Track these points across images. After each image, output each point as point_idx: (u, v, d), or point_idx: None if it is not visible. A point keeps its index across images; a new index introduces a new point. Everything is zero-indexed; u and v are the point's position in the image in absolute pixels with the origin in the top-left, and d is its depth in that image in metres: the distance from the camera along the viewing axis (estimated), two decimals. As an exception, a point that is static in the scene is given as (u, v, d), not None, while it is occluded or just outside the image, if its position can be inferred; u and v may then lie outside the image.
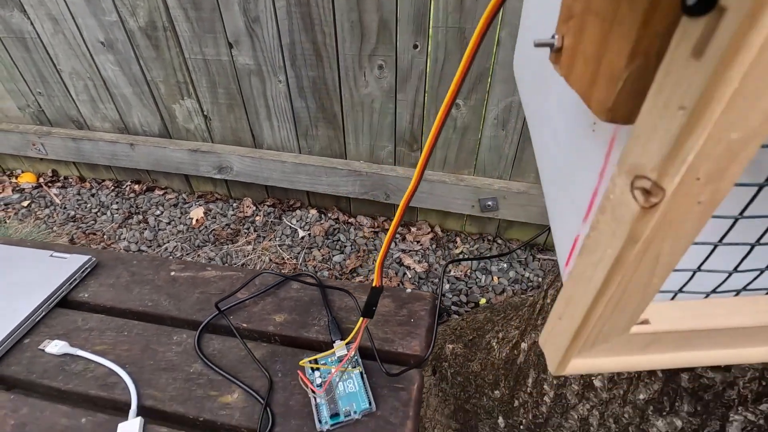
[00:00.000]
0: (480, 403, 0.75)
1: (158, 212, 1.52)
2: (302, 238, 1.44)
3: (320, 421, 0.44)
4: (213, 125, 1.42)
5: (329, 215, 1.51)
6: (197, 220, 1.49)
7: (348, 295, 0.58)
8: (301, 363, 0.48)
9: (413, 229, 1.48)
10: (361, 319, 0.39)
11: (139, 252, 1.39)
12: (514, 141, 1.21)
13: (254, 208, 1.54)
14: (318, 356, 0.49)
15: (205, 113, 1.39)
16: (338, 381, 0.47)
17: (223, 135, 1.44)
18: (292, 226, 1.48)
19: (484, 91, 1.12)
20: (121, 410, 0.48)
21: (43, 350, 0.53)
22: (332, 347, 0.50)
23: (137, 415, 0.46)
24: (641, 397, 0.44)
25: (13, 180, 1.67)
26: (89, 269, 0.64)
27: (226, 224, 1.48)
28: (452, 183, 1.30)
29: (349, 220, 1.51)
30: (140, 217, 1.50)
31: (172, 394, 0.48)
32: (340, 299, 0.58)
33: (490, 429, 0.73)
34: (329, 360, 0.49)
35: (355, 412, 0.44)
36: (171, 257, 1.38)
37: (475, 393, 0.77)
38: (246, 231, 1.46)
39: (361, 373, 0.47)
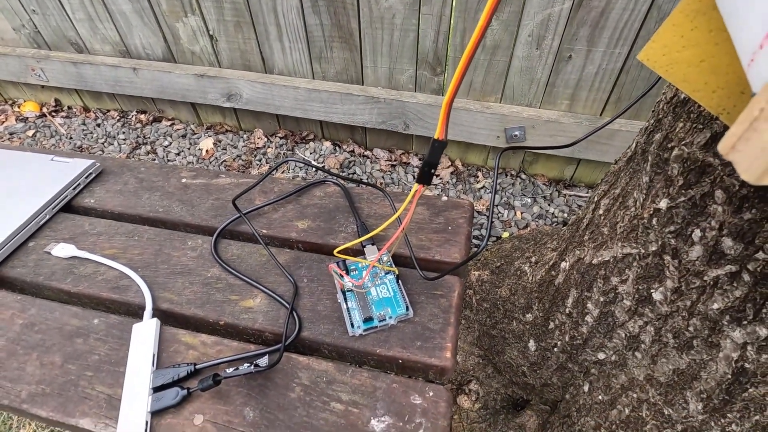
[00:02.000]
0: (508, 328, 0.72)
1: (166, 143, 1.46)
2: (316, 171, 1.38)
3: (352, 326, 0.40)
4: (220, 47, 1.31)
5: (344, 148, 1.44)
6: (207, 150, 1.43)
7: (375, 202, 0.52)
8: (335, 252, 0.43)
9: (432, 163, 1.40)
10: (415, 186, 0.31)
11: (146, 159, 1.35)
12: (548, 63, 1.10)
13: (265, 139, 1.47)
14: (347, 259, 0.44)
15: (210, 33, 1.28)
16: (370, 285, 0.42)
17: (231, 59, 1.34)
18: (306, 158, 1.41)
19: (520, 2, 1.00)
20: (134, 313, 0.45)
21: (50, 253, 0.49)
22: (363, 254, 0.45)
23: (152, 317, 0.42)
24: (715, 306, 0.39)
25: (16, 109, 1.60)
26: (94, 175, 0.58)
27: (237, 155, 1.42)
28: (477, 111, 1.21)
29: (365, 153, 1.44)
30: (148, 147, 1.45)
31: (189, 298, 0.44)
32: (369, 206, 0.52)
33: (519, 353, 0.70)
34: (359, 266, 0.44)
35: (390, 317, 0.40)
36: (181, 165, 1.34)
37: (503, 318, 0.74)
38: (258, 162, 1.40)
39: (397, 277, 0.43)
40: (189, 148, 1.45)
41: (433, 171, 0.28)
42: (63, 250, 0.49)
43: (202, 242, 0.50)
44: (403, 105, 1.26)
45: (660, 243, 0.42)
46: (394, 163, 1.42)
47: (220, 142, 1.46)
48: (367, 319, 0.39)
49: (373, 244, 0.46)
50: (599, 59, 1.06)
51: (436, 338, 0.39)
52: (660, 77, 0.27)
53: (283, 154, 1.44)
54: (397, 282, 0.42)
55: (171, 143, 1.46)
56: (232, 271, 0.46)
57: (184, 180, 0.58)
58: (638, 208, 0.44)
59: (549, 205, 1.29)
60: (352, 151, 1.43)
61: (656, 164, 0.41)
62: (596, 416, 0.55)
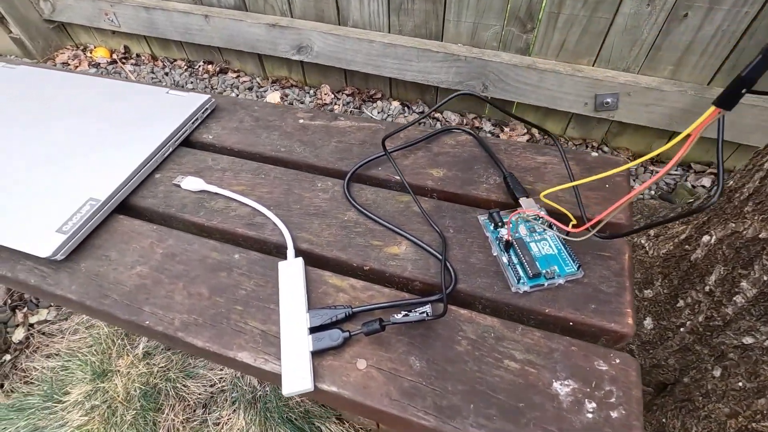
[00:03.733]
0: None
1: (233, 95, 1.44)
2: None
3: (518, 281, 0.36)
4: (295, -6, 1.26)
5: (413, 108, 1.38)
6: (275, 105, 1.40)
7: (515, 154, 0.47)
8: (541, 195, 0.40)
9: (506, 129, 1.33)
10: (711, 108, 0.25)
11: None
12: (658, 21, 0.99)
13: (332, 96, 1.43)
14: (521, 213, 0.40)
15: (287, -22, 1.23)
16: (529, 242, 0.39)
17: (304, 8, 1.28)
18: (374, 117, 1.36)
19: (640, -52, 0.89)
20: (270, 251, 0.43)
21: (179, 185, 0.47)
22: (509, 207, 0.41)
23: (295, 256, 0.40)
24: None
25: (88, 55, 1.61)
26: (209, 110, 0.56)
27: (305, 111, 1.39)
28: (566, 74, 1.12)
29: (435, 115, 1.37)
30: (216, 98, 1.43)
31: (329, 240, 0.42)
32: (508, 157, 0.48)
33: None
34: (513, 219, 0.41)
35: (558, 275, 0.36)
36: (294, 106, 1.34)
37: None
38: (305, 109, 1.37)
39: (558, 234, 0.39)
40: (256, 101, 1.43)
41: (745, 91, 0.22)
42: (192, 183, 0.47)
43: (333, 185, 0.47)
44: (484, 64, 1.18)
45: None
46: (465, 127, 1.35)
47: (286, 96, 1.43)
48: (535, 276, 0.36)
49: (528, 197, 0.41)
50: (720, 19, 0.94)
51: (612, 302, 0.35)
52: None
53: (349, 112, 1.40)
54: (559, 239, 0.38)
55: (238, 95, 1.45)
56: (372, 215, 0.43)
57: (301, 121, 0.56)
58: None
59: (633, 182, 1.20)
60: (422, 112, 1.38)
61: None
62: (733, 404, 0.51)
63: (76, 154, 0.48)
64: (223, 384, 0.78)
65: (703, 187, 1.17)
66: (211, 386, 0.78)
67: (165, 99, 0.55)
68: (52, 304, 0.98)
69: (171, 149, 0.51)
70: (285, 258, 0.40)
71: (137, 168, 0.47)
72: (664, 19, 0.98)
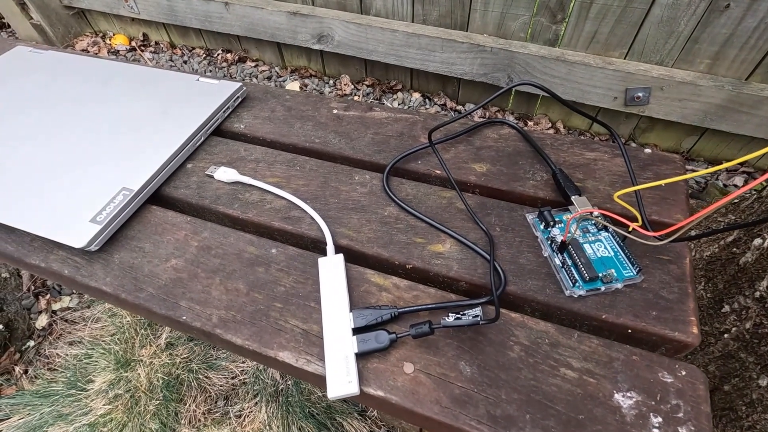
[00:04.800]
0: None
1: (253, 83, 1.43)
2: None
3: (573, 285, 0.34)
4: (317, -19, 1.23)
5: (435, 101, 1.35)
6: (306, 94, 1.38)
7: (561, 149, 0.45)
8: (615, 196, 0.35)
9: (530, 123, 1.30)
10: None
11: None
12: (697, 12, 0.95)
13: (352, 86, 1.41)
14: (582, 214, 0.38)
15: (310, -36, 1.20)
16: (582, 243, 0.37)
17: (327, -5, 1.26)
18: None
19: (684, -66, 0.85)
20: (307, 246, 0.41)
21: (211, 176, 0.46)
22: (559, 206, 0.39)
23: (335, 252, 0.38)
24: None
25: (107, 42, 1.61)
26: (240, 99, 0.55)
27: (324, 101, 1.37)
28: (597, 67, 1.08)
29: (457, 108, 1.35)
30: (235, 87, 1.42)
31: (369, 236, 0.40)
32: (555, 153, 0.46)
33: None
34: (564, 218, 0.38)
35: (616, 279, 0.34)
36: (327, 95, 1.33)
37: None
38: (339, 99, 1.35)
39: (615, 235, 0.36)
40: (287, 90, 1.41)
41: None
42: (225, 174, 0.45)
43: (370, 178, 0.45)
44: (511, 56, 1.14)
45: None
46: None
47: (306, 86, 1.41)
48: (592, 279, 0.34)
49: (581, 195, 0.39)
50: (765, 10, 0.90)
51: (675, 309, 0.33)
52: None
53: (370, 102, 1.37)
54: (614, 240, 0.36)
55: (257, 84, 1.43)
56: (414, 212, 0.41)
57: (335, 111, 0.54)
58: None
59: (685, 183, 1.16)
60: (444, 104, 1.35)
61: None
62: (783, 414, 0.49)
63: (107, 142, 0.47)
64: (245, 377, 0.77)
65: (735, 186, 1.13)
66: (233, 378, 0.78)
67: (196, 86, 0.54)
68: (75, 292, 0.98)
69: (203, 138, 0.49)
70: (323, 254, 0.39)
71: (170, 157, 0.45)
72: (704, 10, 0.94)
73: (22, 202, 0.42)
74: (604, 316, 0.34)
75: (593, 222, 0.38)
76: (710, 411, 0.29)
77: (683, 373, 0.31)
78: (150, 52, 1.57)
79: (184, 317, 0.36)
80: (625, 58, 1.09)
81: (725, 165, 0.31)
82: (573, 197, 0.39)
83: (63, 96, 0.54)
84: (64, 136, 0.48)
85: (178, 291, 0.37)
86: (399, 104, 1.36)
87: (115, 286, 0.38)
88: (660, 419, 0.29)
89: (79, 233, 0.39)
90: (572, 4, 1.03)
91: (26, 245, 0.41)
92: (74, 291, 0.97)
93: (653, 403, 0.29)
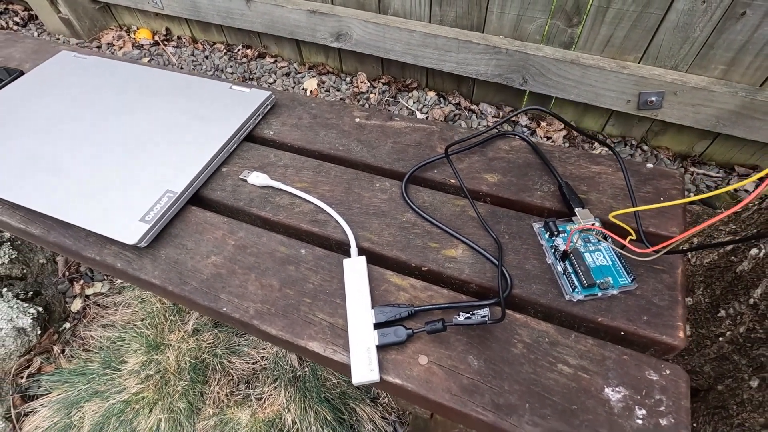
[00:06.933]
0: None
1: (271, 80, 1.47)
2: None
3: (572, 290, 0.38)
4: (337, -19, 1.26)
5: (449, 100, 1.38)
6: (311, 91, 1.42)
7: (569, 162, 0.48)
8: (611, 216, 0.39)
9: (543, 124, 1.32)
10: None
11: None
12: (713, 19, 0.96)
13: (369, 84, 1.44)
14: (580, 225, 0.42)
15: (330, -36, 1.23)
16: (583, 251, 0.40)
17: (347, -5, 1.28)
18: (409, 107, 1.37)
19: (702, -58, 0.86)
20: (332, 248, 0.46)
21: (245, 180, 0.50)
22: (563, 216, 0.42)
23: (358, 254, 0.43)
24: None
25: (132, 36, 1.66)
26: (270, 106, 0.59)
27: (341, 98, 1.40)
28: (611, 70, 1.10)
29: (471, 107, 1.37)
30: (254, 83, 1.46)
31: (389, 240, 0.44)
32: (563, 165, 0.49)
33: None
34: (567, 229, 0.42)
35: (612, 287, 0.38)
36: (351, 104, 1.37)
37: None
38: (361, 107, 1.38)
39: (613, 246, 0.40)
40: (293, 87, 1.45)
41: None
42: (257, 178, 0.50)
43: (390, 185, 0.49)
44: (526, 58, 1.16)
45: None
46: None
47: (323, 83, 1.45)
48: (590, 286, 0.38)
49: (583, 207, 0.43)
50: (781, 19, 0.91)
51: (665, 315, 0.37)
52: None
53: (385, 101, 1.40)
54: (613, 251, 0.40)
55: (276, 80, 1.47)
56: (430, 218, 0.45)
57: (357, 120, 0.58)
58: None
59: (688, 193, 1.18)
60: (458, 103, 1.37)
61: None
62: (769, 414, 0.52)
63: (151, 146, 0.52)
64: (266, 362, 0.83)
65: (746, 191, 1.14)
66: (254, 363, 0.83)
67: (229, 94, 0.58)
68: (107, 278, 1.04)
69: (236, 144, 0.54)
70: (347, 255, 0.43)
71: (208, 162, 0.50)
72: (720, 17, 0.95)
73: (79, 200, 0.47)
74: (599, 319, 0.37)
75: (594, 231, 0.41)
76: (689, 406, 0.33)
77: (668, 372, 0.34)
78: (173, 46, 1.61)
79: (225, 309, 0.40)
80: (639, 63, 1.10)
81: (724, 189, 0.34)
82: (576, 209, 0.42)
83: (109, 101, 0.58)
84: (111, 139, 0.53)
85: (218, 285, 0.42)
86: (414, 102, 1.38)
87: (162, 279, 0.43)
88: (644, 411, 0.33)
89: (131, 231, 0.44)
90: (588, 8, 1.05)
91: (82, 240, 0.47)
92: (105, 277, 1.04)
93: (639, 397, 0.33)
